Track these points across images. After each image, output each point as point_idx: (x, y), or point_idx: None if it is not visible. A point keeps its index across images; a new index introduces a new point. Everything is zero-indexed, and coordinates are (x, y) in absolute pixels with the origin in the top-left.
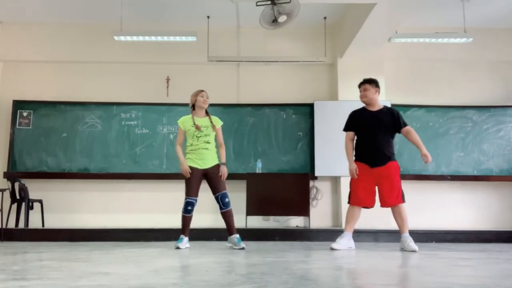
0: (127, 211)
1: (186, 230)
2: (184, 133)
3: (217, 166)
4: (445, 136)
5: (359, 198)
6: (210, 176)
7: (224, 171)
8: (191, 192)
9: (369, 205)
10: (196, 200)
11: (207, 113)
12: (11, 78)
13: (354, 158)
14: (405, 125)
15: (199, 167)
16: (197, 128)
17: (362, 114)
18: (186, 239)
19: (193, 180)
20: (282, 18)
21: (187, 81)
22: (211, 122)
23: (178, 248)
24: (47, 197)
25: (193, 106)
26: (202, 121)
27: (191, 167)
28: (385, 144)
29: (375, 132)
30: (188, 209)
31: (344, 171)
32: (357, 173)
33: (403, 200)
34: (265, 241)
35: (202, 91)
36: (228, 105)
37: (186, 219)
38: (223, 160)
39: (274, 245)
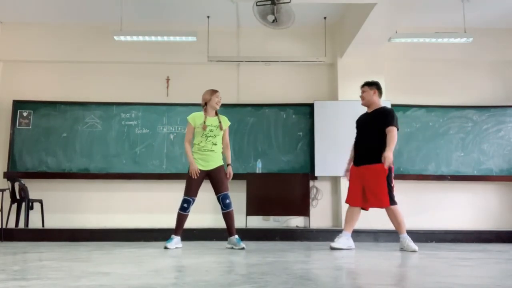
0: (127, 211)
1: (179, 230)
2: (193, 130)
3: (221, 167)
4: (445, 136)
5: (351, 198)
6: (213, 176)
7: (230, 171)
8: (190, 191)
9: (362, 205)
10: (193, 200)
11: (216, 113)
12: (11, 78)
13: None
14: (390, 124)
15: (202, 168)
16: (203, 128)
17: (361, 117)
18: (177, 239)
19: (194, 180)
20: (270, 18)
21: (187, 81)
22: (220, 122)
23: (166, 248)
24: (47, 197)
25: (205, 104)
26: (212, 120)
27: None
28: (372, 145)
29: (364, 134)
30: (184, 207)
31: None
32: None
33: (391, 203)
34: (265, 241)
35: (216, 91)
36: (228, 105)
37: (181, 217)
38: (229, 161)
39: (274, 245)
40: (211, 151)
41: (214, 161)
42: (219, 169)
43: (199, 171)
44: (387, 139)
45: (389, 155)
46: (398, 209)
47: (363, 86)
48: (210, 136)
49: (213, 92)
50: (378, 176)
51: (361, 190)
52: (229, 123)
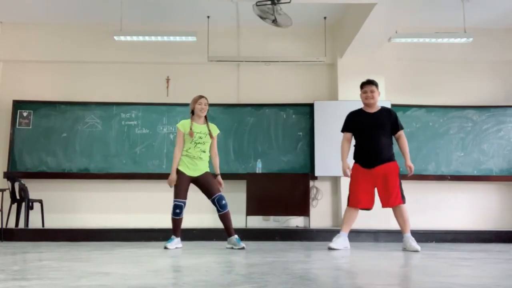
0: (127, 211)
1: (177, 232)
2: (183, 136)
3: (208, 172)
4: (445, 136)
5: (359, 200)
6: (201, 182)
7: (221, 181)
8: (180, 194)
9: (368, 206)
10: (184, 203)
11: (206, 119)
12: (11, 78)
13: (353, 159)
14: (401, 128)
15: (188, 174)
16: (190, 134)
17: (360, 116)
18: (177, 239)
19: (182, 184)
20: (269, 18)
21: (187, 81)
22: (209, 130)
23: (166, 248)
24: (47, 197)
25: (193, 112)
26: (200, 128)
27: (180, 171)
28: (384, 145)
29: (374, 134)
30: (176, 212)
31: None
32: (350, 172)
33: (403, 201)
34: (265, 241)
35: (201, 97)
36: (228, 105)
37: (176, 222)
38: (218, 171)
39: (274, 245)
40: (200, 158)
41: (201, 168)
42: (207, 174)
43: (174, 182)
44: (404, 146)
45: (411, 164)
46: (406, 208)
47: (371, 85)
48: (199, 143)
49: (198, 99)
50: (394, 174)
51: (372, 191)
52: (218, 131)
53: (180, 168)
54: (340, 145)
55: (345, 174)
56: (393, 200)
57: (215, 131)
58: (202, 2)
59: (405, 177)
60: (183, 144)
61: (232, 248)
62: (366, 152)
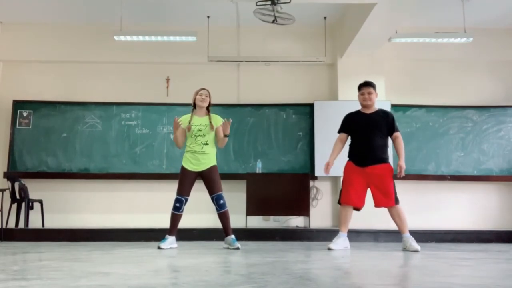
0: (127, 211)
1: (173, 230)
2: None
3: (213, 167)
4: (445, 136)
5: (350, 197)
6: (205, 177)
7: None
8: (182, 190)
9: (358, 205)
10: (185, 199)
11: (209, 111)
12: (11, 78)
13: (347, 157)
14: (397, 130)
15: (193, 170)
16: (188, 128)
17: (357, 117)
18: (171, 239)
19: (185, 180)
20: (269, 18)
21: (187, 81)
22: (210, 122)
23: (160, 248)
24: (47, 197)
25: (194, 105)
26: (201, 120)
27: (185, 168)
28: (379, 146)
29: (370, 135)
30: (176, 206)
31: None
32: (330, 167)
33: (396, 202)
34: (265, 241)
35: (201, 89)
36: (228, 105)
37: (174, 217)
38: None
39: (274, 245)
40: (202, 152)
41: (205, 162)
42: (211, 169)
43: (180, 122)
44: (399, 147)
45: (404, 165)
46: (401, 208)
47: (369, 86)
48: (199, 135)
49: (197, 91)
50: (387, 176)
51: (365, 190)
52: (221, 120)
53: (184, 164)
54: (334, 144)
55: (325, 171)
56: (386, 201)
57: (218, 121)
58: (202, 2)
59: (405, 176)
60: (187, 139)
61: (228, 248)
62: (360, 151)
